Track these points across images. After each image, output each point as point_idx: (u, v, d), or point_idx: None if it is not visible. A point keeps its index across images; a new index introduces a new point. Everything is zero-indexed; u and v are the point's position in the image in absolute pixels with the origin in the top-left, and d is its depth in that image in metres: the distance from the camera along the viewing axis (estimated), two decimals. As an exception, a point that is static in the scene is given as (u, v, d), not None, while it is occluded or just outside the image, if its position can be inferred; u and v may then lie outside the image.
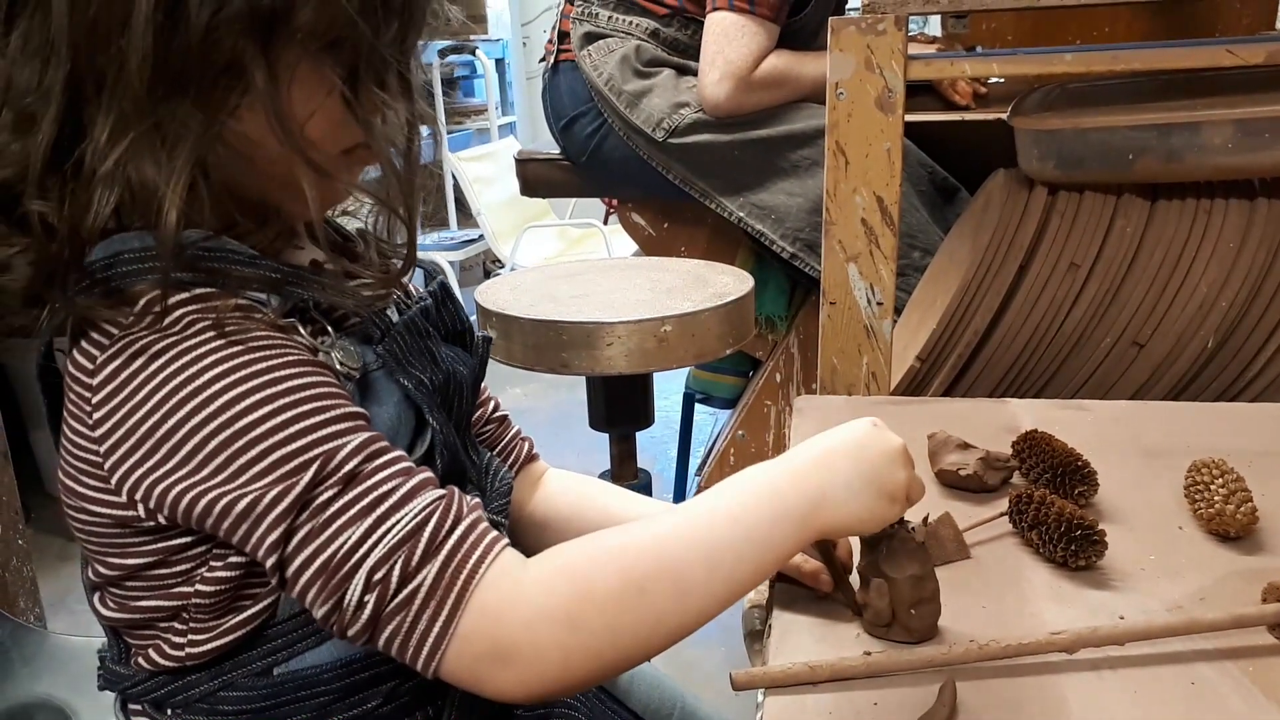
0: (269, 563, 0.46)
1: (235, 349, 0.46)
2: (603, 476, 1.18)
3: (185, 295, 0.47)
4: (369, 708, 0.54)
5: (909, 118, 0.99)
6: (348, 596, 0.45)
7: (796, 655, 0.53)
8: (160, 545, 0.50)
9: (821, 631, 0.57)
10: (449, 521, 0.47)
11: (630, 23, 1.63)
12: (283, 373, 0.47)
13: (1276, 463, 0.74)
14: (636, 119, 1.55)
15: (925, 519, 0.57)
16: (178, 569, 0.51)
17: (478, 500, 0.50)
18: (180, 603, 0.51)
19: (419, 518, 0.46)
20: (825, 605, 0.59)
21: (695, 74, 1.59)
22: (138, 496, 0.47)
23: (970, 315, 1.04)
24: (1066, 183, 1.04)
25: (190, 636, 0.51)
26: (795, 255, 1.57)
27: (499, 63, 4.28)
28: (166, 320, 0.47)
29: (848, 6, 1.74)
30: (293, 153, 0.48)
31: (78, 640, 0.72)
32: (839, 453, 0.51)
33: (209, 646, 0.51)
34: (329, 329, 0.51)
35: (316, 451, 0.46)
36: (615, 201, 1.84)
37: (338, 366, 0.51)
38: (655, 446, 2.39)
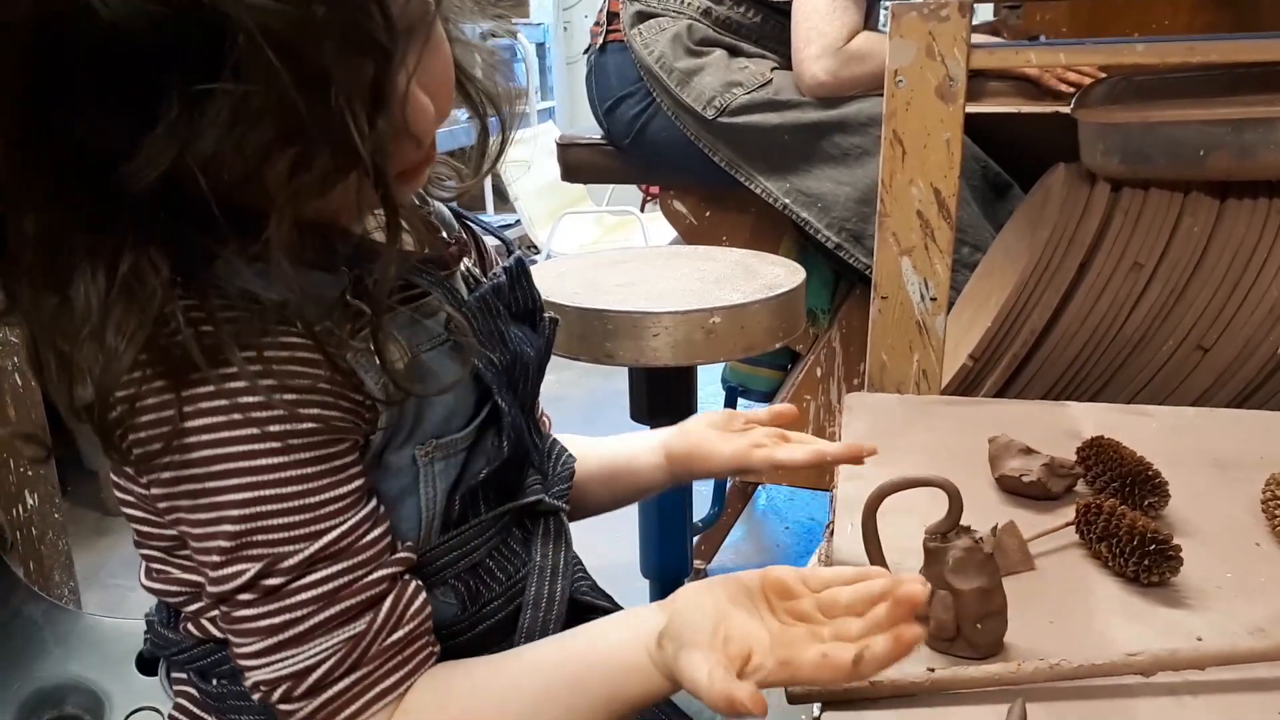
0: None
1: (254, 431, 0.45)
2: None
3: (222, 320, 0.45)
4: None
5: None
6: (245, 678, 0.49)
7: (854, 667, 0.51)
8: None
9: (879, 642, 0.54)
10: (344, 667, 0.48)
11: (683, 1, 1.60)
12: (283, 460, 0.46)
13: (1357, 477, 0.70)
14: (687, 96, 1.53)
15: (995, 529, 0.54)
16: None
17: (418, 607, 0.51)
18: None
19: (313, 660, 0.48)
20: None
21: (747, 55, 1.57)
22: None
23: (1027, 313, 1.00)
24: (1132, 179, 1.00)
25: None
26: (840, 246, 1.54)
27: (539, 47, 4.26)
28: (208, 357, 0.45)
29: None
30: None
31: (111, 622, 0.71)
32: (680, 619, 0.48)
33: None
34: (378, 317, 0.48)
35: (267, 554, 0.47)
36: (655, 190, 1.82)
37: (371, 388, 0.49)
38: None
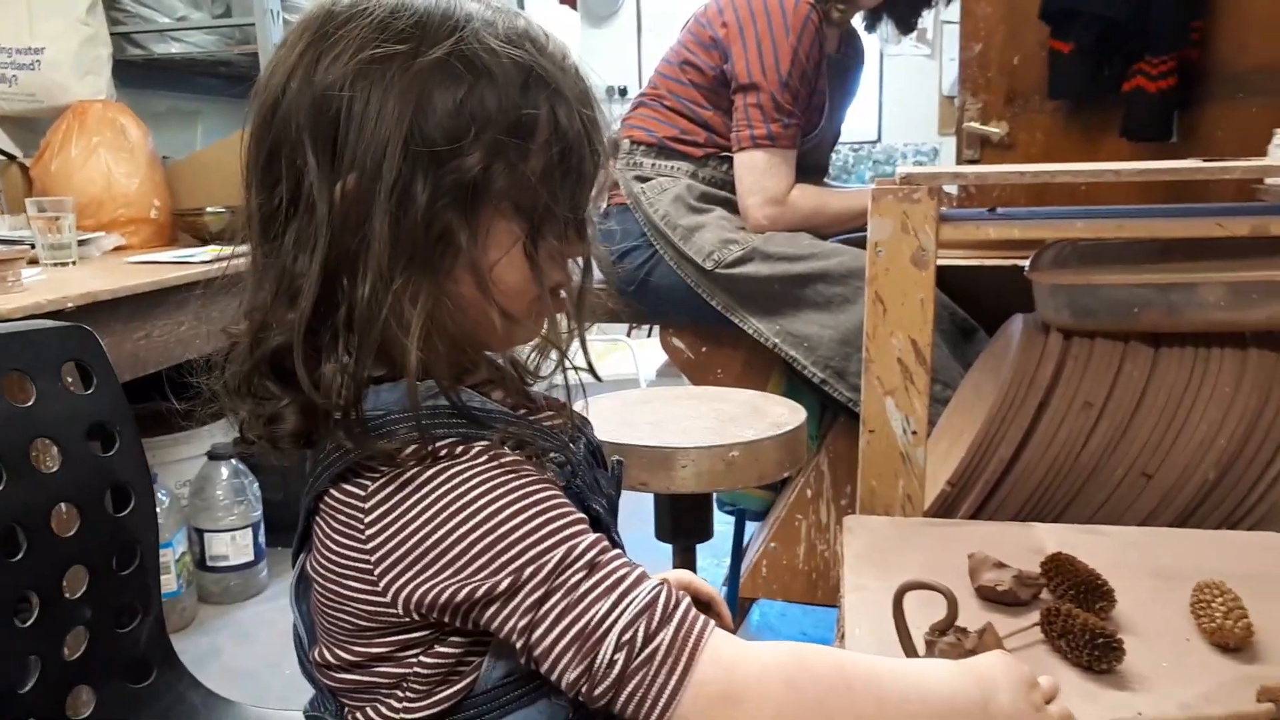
0: (520, 636, 0.56)
1: (488, 473, 0.58)
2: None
3: (441, 442, 0.59)
4: None
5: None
6: (599, 657, 0.55)
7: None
8: (400, 637, 0.61)
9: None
10: (674, 599, 0.57)
11: (672, 166, 1.83)
12: (530, 488, 0.58)
13: (1269, 585, 0.85)
14: (689, 249, 1.74)
15: (980, 630, 0.68)
16: (409, 652, 0.62)
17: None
18: (405, 671, 0.62)
19: (651, 595, 0.57)
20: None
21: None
22: (401, 598, 0.59)
23: (996, 446, 1.16)
24: (1079, 330, 1.17)
25: (405, 704, 0.62)
26: (825, 381, 1.71)
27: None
28: (428, 459, 0.58)
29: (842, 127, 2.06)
30: (485, 298, 0.61)
31: (269, 713, 0.82)
32: (997, 669, 0.60)
33: (421, 715, 0.62)
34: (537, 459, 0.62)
35: (563, 546, 0.57)
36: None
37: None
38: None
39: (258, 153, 0.62)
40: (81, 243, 1.96)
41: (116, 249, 2.12)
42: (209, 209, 2.23)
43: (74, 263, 1.89)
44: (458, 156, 0.58)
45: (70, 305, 1.47)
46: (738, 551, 1.95)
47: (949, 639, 0.67)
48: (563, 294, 0.66)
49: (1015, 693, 0.59)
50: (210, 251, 1.97)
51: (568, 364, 0.69)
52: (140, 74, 2.57)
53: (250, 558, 2.27)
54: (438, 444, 0.59)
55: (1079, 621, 0.73)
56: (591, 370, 0.69)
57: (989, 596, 0.84)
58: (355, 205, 0.59)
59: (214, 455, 2.27)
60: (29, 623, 0.79)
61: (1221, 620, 0.75)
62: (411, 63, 0.58)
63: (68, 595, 0.82)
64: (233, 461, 2.27)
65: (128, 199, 2.18)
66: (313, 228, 0.59)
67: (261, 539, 2.31)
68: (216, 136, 2.73)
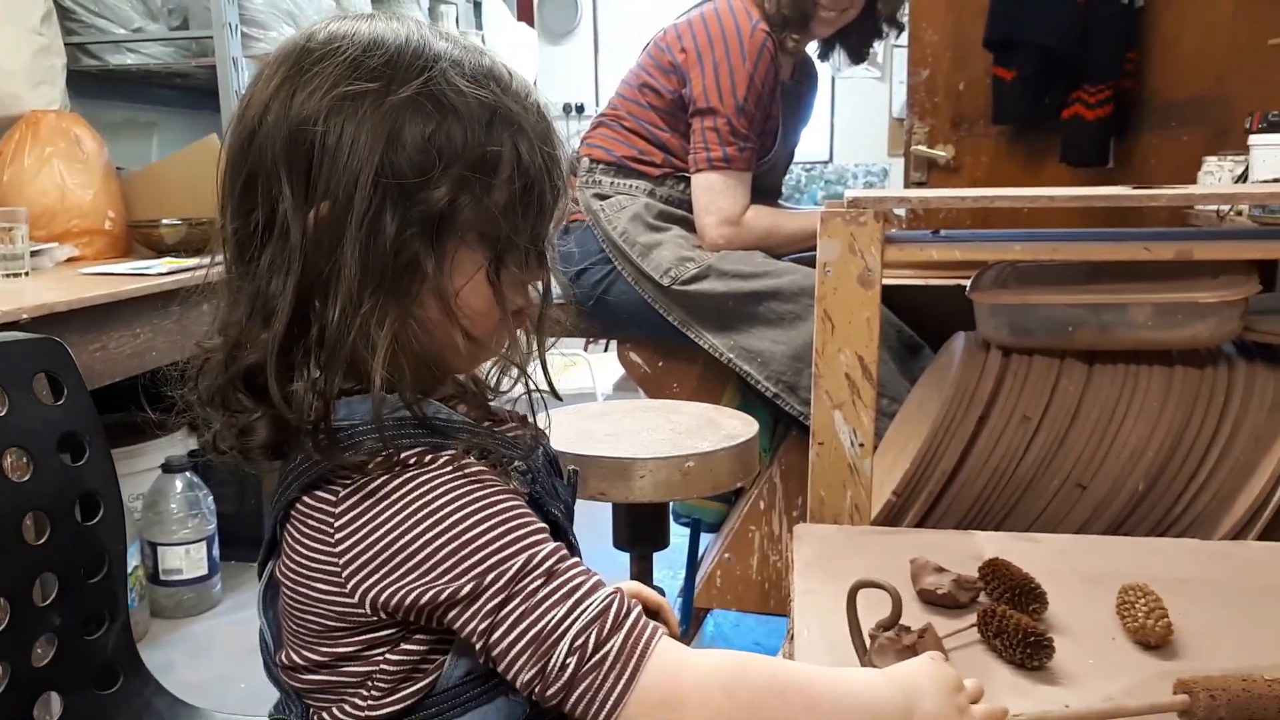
0: (480, 638, 0.60)
1: (452, 482, 0.62)
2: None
3: (407, 452, 0.62)
4: None
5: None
6: (553, 660, 0.59)
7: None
8: (367, 636, 0.64)
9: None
10: (625, 607, 0.61)
11: (631, 185, 1.88)
12: (492, 497, 0.62)
13: (1190, 587, 0.91)
14: (646, 266, 1.78)
15: (923, 630, 0.72)
16: (375, 651, 0.65)
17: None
18: (371, 669, 0.65)
19: (604, 603, 0.61)
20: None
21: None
22: (368, 599, 0.62)
23: (939, 458, 1.21)
24: (1018, 347, 1.23)
25: (370, 702, 0.65)
26: (778, 395, 1.76)
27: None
28: (395, 467, 0.62)
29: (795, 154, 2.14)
30: (450, 322, 0.65)
31: (237, 719, 0.84)
32: (921, 677, 0.65)
33: (384, 712, 0.65)
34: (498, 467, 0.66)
35: (523, 554, 0.60)
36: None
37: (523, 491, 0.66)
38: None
39: (234, 179, 0.65)
40: (34, 253, 1.95)
41: (70, 260, 2.11)
42: (165, 221, 2.22)
43: (27, 274, 1.88)
44: (425, 189, 0.62)
45: (25, 317, 1.46)
46: (693, 563, 1.99)
47: (890, 634, 0.72)
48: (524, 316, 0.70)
49: (940, 697, 0.64)
50: (166, 264, 1.97)
51: (531, 384, 0.73)
52: (95, 85, 2.56)
53: (204, 571, 2.26)
54: (405, 454, 0.62)
55: (1013, 622, 0.78)
56: (553, 390, 0.73)
57: (929, 600, 0.88)
58: (327, 232, 0.62)
59: (168, 468, 2.26)
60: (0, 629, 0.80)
61: (1144, 620, 0.80)
62: (383, 100, 0.62)
63: (37, 602, 0.84)
64: (187, 475, 2.27)
65: (82, 210, 2.16)
66: (287, 252, 0.63)
67: (216, 553, 2.30)
68: (172, 148, 2.72)
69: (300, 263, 0.62)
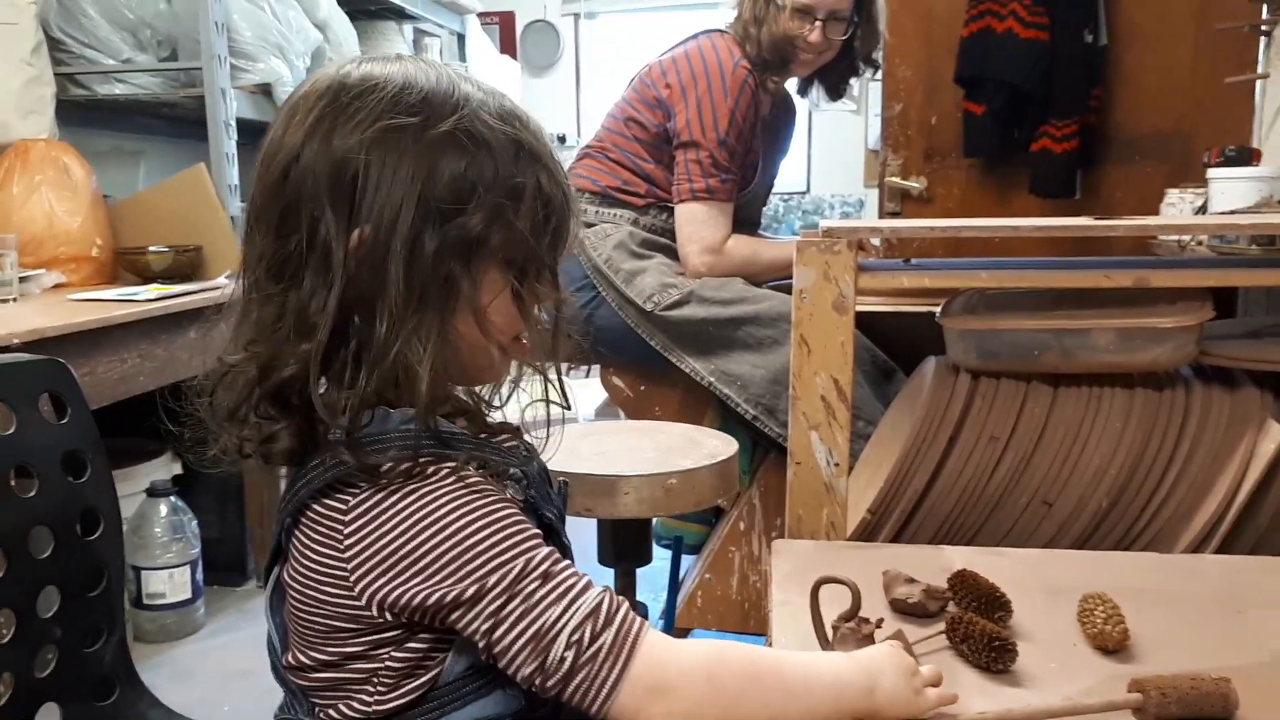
0: (483, 636, 0.64)
1: (454, 491, 0.66)
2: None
3: (424, 459, 0.67)
4: None
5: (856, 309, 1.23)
6: (552, 655, 0.64)
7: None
8: (374, 636, 0.68)
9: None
10: (615, 604, 0.66)
11: (615, 214, 1.93)
12: (491, 506, 0.66)
13: (1146, 597, 0.95)
14: (630, 292, 1.83)
15: (897, 634, 0.77)
16: (381, 649, 0.68)
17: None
18: (377, 666, 0.69)
19: (596, 601, 0.66)
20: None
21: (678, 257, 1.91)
22: (375, 600, 0.66)
23: (911, 477, 1.26)
24: (986, 371, 1.28)
25: (375, 698, 0.69)
26: (757, 418, 1.80)
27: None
28: (401, 477, 0.66)
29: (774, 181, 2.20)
30: (484, 335, 0.69)
31: None
32: (881, 659, 0.71)
33: (389, 706, 0.69)
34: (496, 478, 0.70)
35: (521, 559, 0.65)
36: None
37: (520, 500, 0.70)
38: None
39: (271, 205, 0.69)
40: (22, 279, 1.98)
41: (57, 286, 2.14)
42: (152, 248, 2.25)
43: (15, 299, 1.91)
44: (462, 215, 0.67)
45: (16, 341, 1.49)
46: (674, 583, 2.02)
47: (851, 625, 0.77)
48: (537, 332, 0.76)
49: (897, 678, 0.70)
50: (154, 289, 2.00)
51: (549, 390, 0.78)
52: (83, 114, 2.59)
53: (188, 595, 2.27)
54: (411, 463, 0.67)
55: (979, 628, 0.82)
56: (565, 401, 0.79)
57: (901, 609, 0.92)
58: (369, 254, 0.67)
59: (153, 492, 2.27)
60: (4, 641, 0.83)
61: (1102, 625, 0.84)
62: (423, 134, 0.67)
63: (40, 615, 0.86)
64: (171, 499, 2.28)
65: (69, 237, 2.19)
66: (328, 272, 0.67)
67: (199, 577, 2.31)
68: (159, 177, 2.75)
69: (342, 281, 0.67)
